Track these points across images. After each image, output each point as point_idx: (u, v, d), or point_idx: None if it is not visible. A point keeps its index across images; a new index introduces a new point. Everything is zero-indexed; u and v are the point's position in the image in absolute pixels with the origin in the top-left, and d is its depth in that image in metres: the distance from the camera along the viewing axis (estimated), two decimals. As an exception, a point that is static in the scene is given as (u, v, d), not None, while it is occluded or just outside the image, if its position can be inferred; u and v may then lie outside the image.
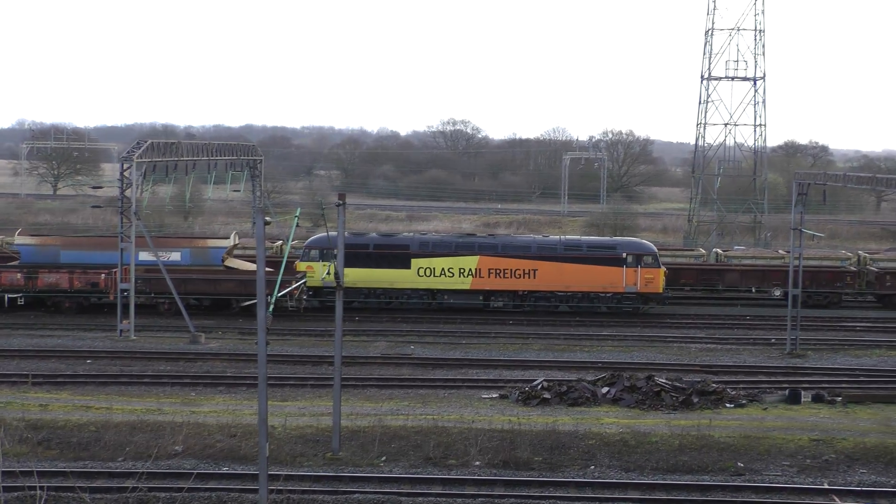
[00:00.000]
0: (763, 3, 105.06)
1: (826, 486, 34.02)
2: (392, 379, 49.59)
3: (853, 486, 34.06)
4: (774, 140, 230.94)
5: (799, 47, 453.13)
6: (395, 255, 67.64)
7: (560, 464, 35.94)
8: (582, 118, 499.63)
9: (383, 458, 36.15)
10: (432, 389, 47.74)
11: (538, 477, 34.42)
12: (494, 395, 46.49)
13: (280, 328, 60.01)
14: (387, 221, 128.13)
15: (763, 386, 49.04)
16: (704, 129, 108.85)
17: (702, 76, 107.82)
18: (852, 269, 74.66)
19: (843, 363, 55.07)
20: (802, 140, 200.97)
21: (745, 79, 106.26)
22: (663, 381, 46.33)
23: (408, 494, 32.52)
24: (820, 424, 41.32)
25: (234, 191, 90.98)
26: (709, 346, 59.63)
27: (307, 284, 66.60)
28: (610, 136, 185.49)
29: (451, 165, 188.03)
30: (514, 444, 37.11)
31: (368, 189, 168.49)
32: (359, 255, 66.79)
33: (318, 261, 66.69)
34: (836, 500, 32.88)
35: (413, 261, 67.37)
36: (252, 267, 67.27)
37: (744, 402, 45.27)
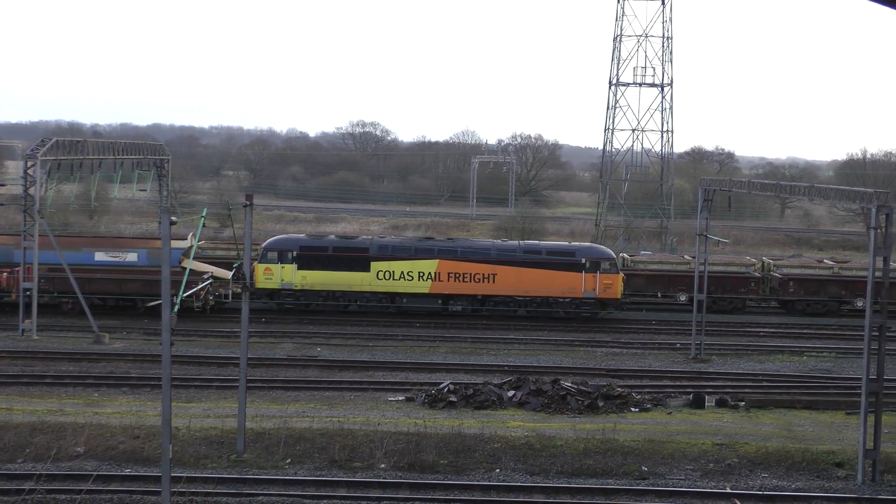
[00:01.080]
0: (671, 11, 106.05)
1: (728, 490, 34.39)
2: (298, 381, 49.30)
3: (755, 490, 34.47)
4: (681, 146, 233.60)
5: (706, 55, 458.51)
6: (355, 257, 67.36)
7: (465, 467, 35.97)
8: (491, 122, 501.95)
9: (288, 461, 35.94)
10: (338, 392, 47.53)
11: (443, 480, 34.42)
12: (401, 398, 46.38)
13: (186, 329, 59.45)
14: (294, 223, 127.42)
15: (668, 390, 49.43)
16: (612, 134, 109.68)
17: (610, 82, 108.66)
18: (756, 275, 75.51)
19: (747, 368, 55.69)
20: (709, 146, 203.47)
21: (652, 85, 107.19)
22: (569, 384, 46.55)
23: (312, 497, 32.41)
24: (723, 429, 41.76)
25: (141, 190, 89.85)
26: (614, 350, 59.98)
27: (264, 286, 66.79)
28: (519, 139, 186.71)
29: (360, 167, 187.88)
30: (420, 447, 37.08)
31: (276, 190, 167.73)
32: (318, 257, 67.10)
33: (277, 263, 66.47)
34: (738, 503, 33.23)
35: (372, 264, 67.12)
36: (209, 268, 66.98)
37: (648, 406, 45.61)
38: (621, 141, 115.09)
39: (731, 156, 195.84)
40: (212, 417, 40.92)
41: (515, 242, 72.44)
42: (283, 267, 66.58)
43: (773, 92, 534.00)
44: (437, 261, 67.39)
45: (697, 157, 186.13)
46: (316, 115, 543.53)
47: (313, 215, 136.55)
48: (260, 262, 66.80)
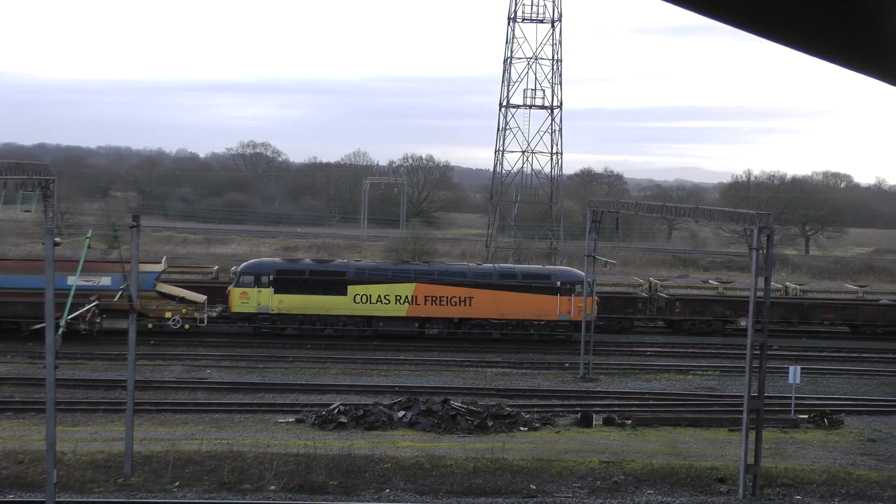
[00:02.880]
0: (560, 34, 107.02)
1: (615, 507, 34.83)
2: (187, 403, 48.93)
3: (641, 507, 34.95)
4: (571, 168, 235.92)
5: (596, 77, 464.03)
6: (332, 281, 67.21)
7: (355, 487, 35.96)
8: (383, 144, 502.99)
9: (177, 484, 35.64)
10: (228, 414, 47.25)
11: (333, 500, 34.42)
12: (291, 420, 46.25)
13: (72, 352, 58.57)
14: (184, 244, 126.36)
15: (556, 409, 49.89)
16: (503, 156, 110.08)
17: (500, 104, 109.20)
18: (644, 295, 76.53)
19: (634, 387, 56.46)
20: (598, 169, 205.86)
21: (542, 107, 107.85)
22: (459, 404, 46.78)
23: (201, 520, 32.19)
24: (610, 447, 42.26)
25: (25, 211, 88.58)
26: (504, 370, 60.38)
27: (240, 311, 66.74)
28: (410, 161, 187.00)
29: (251, 188, 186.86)
30: (310, 468, 37.02)
31: (166, 211, 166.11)
32: (294, 281, 66.97)
33: (253, 287, 66.05)
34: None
35: (349, 287, 67.05)
36: (183, 292, 66.19)
37: (537, 425, 45.99)
38: (512, 163, 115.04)
39: (619, 178, 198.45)
40: (99, 441, 40.45)
41: (491, 266, 73.42)
42: (259, 291, 66.31)
43: (661, 119, 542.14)
44: (415, 284, 67.62)
45: (587, 179, 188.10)
46: (206, 136, 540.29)
47: (203, 236, 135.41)
48: (235, 287, 66.63)
